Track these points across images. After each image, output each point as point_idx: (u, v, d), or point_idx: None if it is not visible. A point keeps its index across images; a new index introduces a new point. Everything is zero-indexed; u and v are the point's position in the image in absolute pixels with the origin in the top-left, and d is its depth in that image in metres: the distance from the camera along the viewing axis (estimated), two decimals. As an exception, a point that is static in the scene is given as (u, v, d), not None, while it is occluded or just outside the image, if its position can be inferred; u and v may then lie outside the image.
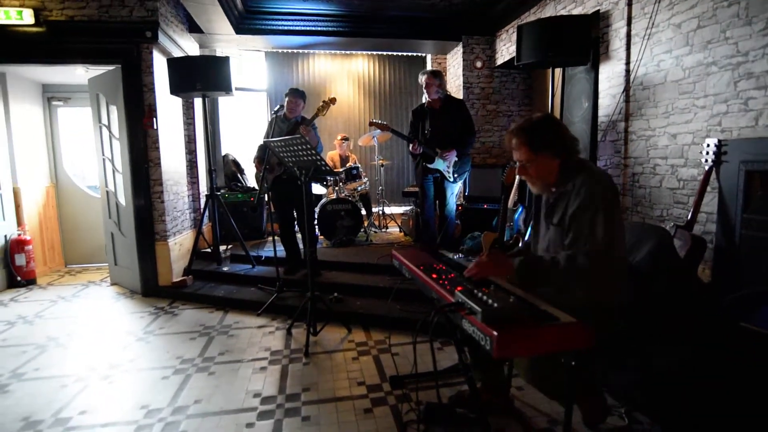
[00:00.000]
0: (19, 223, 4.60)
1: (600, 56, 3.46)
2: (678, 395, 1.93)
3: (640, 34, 3.03)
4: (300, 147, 2.85)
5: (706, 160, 2.48)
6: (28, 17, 3.71)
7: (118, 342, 3.12)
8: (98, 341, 3.15)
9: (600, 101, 3.49)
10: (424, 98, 4.00)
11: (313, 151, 2.82)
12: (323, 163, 2.91)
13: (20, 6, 3.70)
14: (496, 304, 1.35)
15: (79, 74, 4.61)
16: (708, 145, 2.47)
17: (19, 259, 4.44)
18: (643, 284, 1.87)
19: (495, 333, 1.26)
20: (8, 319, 3.58)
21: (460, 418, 2.02)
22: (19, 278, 4.44)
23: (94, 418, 2.18)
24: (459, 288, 1.59)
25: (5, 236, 4.40)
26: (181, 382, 2.52)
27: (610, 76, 3.36)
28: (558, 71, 3.82)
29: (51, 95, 5.23)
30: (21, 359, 2.85)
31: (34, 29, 3.76)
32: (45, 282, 4.68)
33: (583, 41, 3.32)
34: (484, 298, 1.41)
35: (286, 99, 3.77)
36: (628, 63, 3.16)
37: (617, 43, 3.26)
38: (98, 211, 4.87)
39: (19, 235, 4.47)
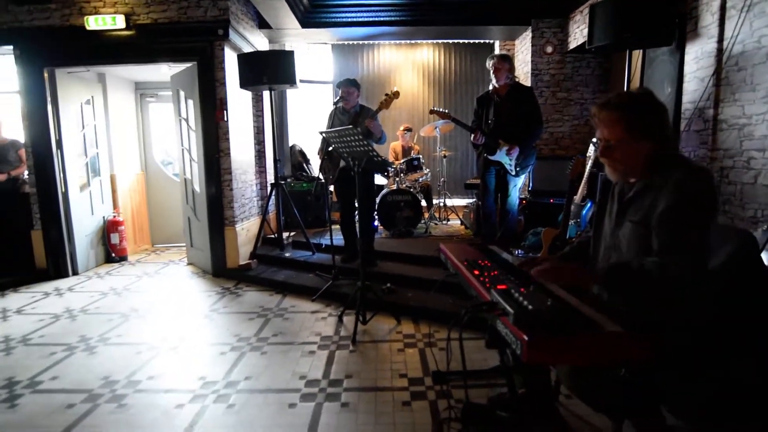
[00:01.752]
0: (115, 206, 5.19)
1: (687, 35, 3.07)
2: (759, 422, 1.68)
3: (737, 6, 2.62)
4: (353, 138, 2.88)
5: (815, 153, 2.10)
6: (120, 22, 4.13)
7: (187, 317, 3.42)
8: (171, 315, 3.47)
9: (685, 86, 3.10)
10: (492, 85, 3.82)
11: (365, 142, 2.84)
12: (375, 153, 2.92)
13: (114, 13, 4.13)
14: (530, 306, 1.26)
15: (164, 72, 5.06)
16: (818, 135, 2.09)
17: (114, 238, 5.02)
18: (721, 294, 1.64)
19: (525, 337, 1.18)
20: (102, 290, 4.07)
21: (498, 421, 1.94)
22: (113, 255, 5.03)
23: (159, 384, 2.42)
24: (499, 286, 1.51)
25: (103, 217, 4.99)
26: (236, 358, 2.70)
27: (698, 56, 2.96)
28: (637, 54, 3.46)
29: (142, 92, 5.79)
30: (108, 326, 3.24)
31: (126, 33, 4.18)
32: (134, 259, 5.25)
33: (666, 19, 2.96)
34: (520, 299, 1.33)
35: (341, 90, 3.81)
36: (720, 41, 2.76)
37: (708, 19, 2.86)
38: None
39: (114, 216, 5.05)
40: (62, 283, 4.31)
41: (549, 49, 5.06)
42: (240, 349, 2.82)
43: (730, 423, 1.72)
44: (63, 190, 4.46)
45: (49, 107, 4.34)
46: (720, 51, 2.77)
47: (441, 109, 4.14)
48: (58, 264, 4.50)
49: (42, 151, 4.35)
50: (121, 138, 5.40)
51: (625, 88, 3.41)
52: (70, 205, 4.49)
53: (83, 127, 4.74)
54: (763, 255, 2.08)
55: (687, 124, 3.05)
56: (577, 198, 3.53)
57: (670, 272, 1.34)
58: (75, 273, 4.59)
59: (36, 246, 4.48)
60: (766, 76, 2.45)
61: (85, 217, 4.72)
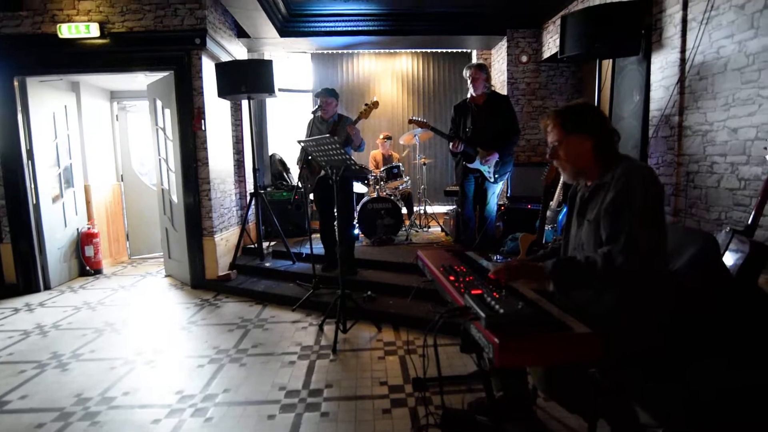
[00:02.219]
0: (89, 217, 5.07)
1: (652, 45, 3.19)
2: (730, 422, 1.73)
3: (697, 18, 2.75)
4: (331, 147, 2.90)
5: (772, 157, 2.21)
6: (94, 30, 4.07)
7: (164, 330, 3.35)
8: (147, 328, 3.39)
9: (652, 94, 3.22)
10: (469, 94, 3.89)
11: (342, 151, 2.85)
12: (353, 162, 2.94)
13: (88, 21, 4.07)
14: (501, 310, 1.29)
15: (140, 81, 4.99)
16: (774, 141, 2.20)
17: (88, 251, 4.89)
18: (685, 294, 1.70)
19: (497, 340, 1.20)
20: (75, 305, 3.96)
21: (478, 427, 1.96)
22: (87, 268, 4.89)
23: (134, 399, 2.36)
24: (473, 291, 1.54)
25: (77, 229, 4.87)
26: (214, 371, 2.66)
27: (663, 66, 3.09)
28: (606, 63, 3.58)
29: (118, 101, 5.70)
30: (81, 341, 3.14)
31: (100, 41, 4.12)
32: (110, 272, 5.12)
33: (632, 30, 3.09)
34: (492, 303, 1.35)
35: (319, 100, 3.83)
36: (683, 51, 2.89)
37: (671, 30, 2.98)
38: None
39: (89, 228, 4.92)
40: (33, 299, 4.17)
41: (524, 59, 5.19)
42: (219, 362, 2.78)
43: (699, 424, 1.77)
44: (34, 201, 4.33)
45: (20, 116, 4.23)
46: (683, 61, 2.89)
47: (420, 119, 4.20)
48: (28, 278, 4.36)
49: (12, 161, 4.23)
50: (96, 148, 5.29)
51: (596, 96, 3.52)
52: (41, 217, 4.36)
53: (56, 137, 4.63)
54: (727, 254, 2.16)
55: (655, 131, 3.16)
56: (553, 203, 3.60)
57: (614, 260, 1.41)
58: (47, 287, 4.45)
59: (5, 260, 4.34)
60: (726, 85, 2.57)
61: (57, 230, 4.59)
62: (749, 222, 2.22)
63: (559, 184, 3.58)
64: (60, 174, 4.69)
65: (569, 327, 1.28)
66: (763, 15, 2.33)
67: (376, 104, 3.71)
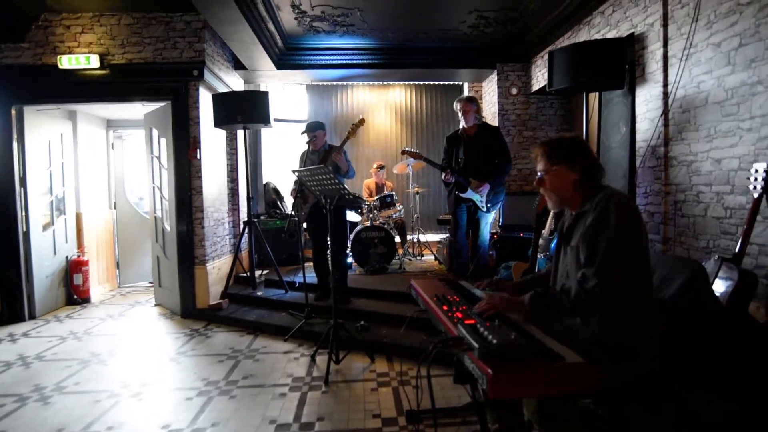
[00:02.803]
0: (80, 245, 5.01)
1: (636, 79, 3.32)
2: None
3: (677, 55, 2.88)
4: (325, 176, 2.93)
5: (755, 187, 2.26)
6: (94, 62, 4.16)
7: (151, 361, 3.26)
8: (134, 359, 3.31)
9: (638, 125, 3.32)
10: (461, 125, 3.98)
11: (336, 181, 2.89)
12: (347, 191, 2.96)
13: (88, 53, 4.16)
14: (495, 341, 1.28)
15: (137, 110, 5.05)
16: (756, 171, 2.25)
17: (77, 279, 4.81)
18: (675, 323, 1.70)
19: (490, 371, 1.19)
20: (61, 335, 3.86)
21: (473, 460, 1.90)
22: (75, 296, 4.80)
23: (118, 435, 2.27)
24: (466, 321, 1.53)
25: (66, 257, 4.80)
26: (203, 404, 2.58)
27: (647, 99, 3.20)
28: (593, 96, 3.70)
29: (114, 129, 5.75)
30: (65, 373, 3.05)
31: (100, 72, 4.20)
32: (98, 300, 5.02)
33: (617, 65, 3.21)
34: (485, 333, 1.35)
35: (307, 135, 3.88)
36: (665, 85, 3.00)
37: (653, 66, 3.11)
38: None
39: (78, 256, 4.86)
40: (17, 328, 4.07)
41: (514, 91, 5.35)
42: (207, 394, 2.70)
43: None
44: (24, 229, 4.29)
45: (15, 144, 4.25)
46: (666, 94, 3.00)
47: (413, 149, 4.28)
48: (14, 307, 4.26)
49: (4, 189, 4.22)
50: (90, 175, 5.30)
51: (584, 127, 3.62)
52: (30, 245, 4.31)
53: (50, 165, 4.64)
54: (717, 282, 2.18)
55: (642, 161, 3.24)
56: (545, 232, 3.63)
57: (587, 281, 1.44)
58: (32, 317, 4.34)
59: (-9, 289, 4.25)
60: (707, 117, 2.66)
61: (46, 258, 4.53)
62: (737, 250, 2.26)
63: (551, 213, 3.62)
64: (52, 201, 4.67)
65: (562, 357, 1.28)
66: (738, 53, 2.44)
67: (362, 122, 3.80)
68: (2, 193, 4.22)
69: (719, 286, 2.14)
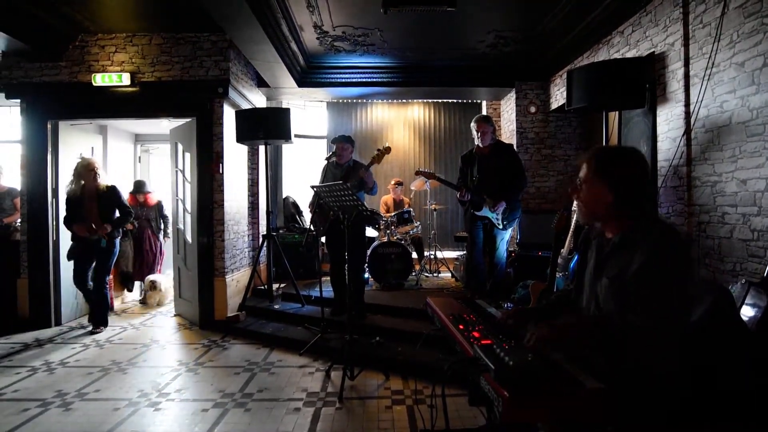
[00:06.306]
0: (105, 255, 5.15)
1: (657, 98, 3.29)
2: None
3: (699, 74, 2.85)
4: (343, 192, 2.97)
5: (783, 210, 2.20)
6: (126, 79, 4.35)
7: (170, 371, 3.31)
8: (153, 369, 3.37)
9: (659, 145, 3.28)
10: (476, 144, 3.99)
11: (355, 197, 2.92)
12: (364, 207, 3.00)
13: (121, 71, 4.36)
14: (511, 362, 1.27)
15: (164, 125, 5.26)
16: (784, 193, 2.20)
17: (101, 288, 4.93)
18: (700, 350, 1.65)
19: (506, 394, 1.18)
20: (85, 342, 3.96)
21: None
22: (99, 305, 4.92)
23: (135, 444, 2.31)
24: (483, 341, 1.52)
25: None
26: (218, 415, 2.60)
27: (668, 118, 3.16)
28: (613, 114, 3.68)
29: (141, 143, 5.96)
30: (87, 380, 3.13)
31: (130, 89, 4.39)
32: (120, 309, 5.14)
33: (636, 84, 3.19)
34: (502, 354, 1.33)
35: (335, 146, 3.96)
36: (687, 105, 2.96)
37: (675, 85, 3.08)
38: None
39: (103, 266, 4.99)
40: (43, 334, 4.19)
41: (532, 109, 5.34)
42: (223, 406, 2.73)
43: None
44: (54, 238, 4.46)
45: (49, 157, 4.45)
46: (688, 114, 2.97)
47: (426, 170, 4.32)
48: (41, 313, 4.40)
49: (37, 199, 4.41)
50: (117, 187, 5.46)
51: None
52: (60, 253, 4.47)
53: (80, 177, 4.82)
54: (744, 307, 2.11)
55: (663, 181, 3.19)
56: (564, 251, 3.58)
57: (636, 329, 1.37)
58: (58, 323, 4.48)
59: (21, 294, 4.42)
60: (731, 137, 2.62)
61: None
62: (765, 274, 2.19)
63: (570, 231, 3.57)
64: (81, 212, 4.83)
65: (581, 382, 1.25)
66: (763, 72, 2.40)
67: (388, 150, 3.82)
68: (36, 203, 4.41)
69: (747, 311, 2.07)
